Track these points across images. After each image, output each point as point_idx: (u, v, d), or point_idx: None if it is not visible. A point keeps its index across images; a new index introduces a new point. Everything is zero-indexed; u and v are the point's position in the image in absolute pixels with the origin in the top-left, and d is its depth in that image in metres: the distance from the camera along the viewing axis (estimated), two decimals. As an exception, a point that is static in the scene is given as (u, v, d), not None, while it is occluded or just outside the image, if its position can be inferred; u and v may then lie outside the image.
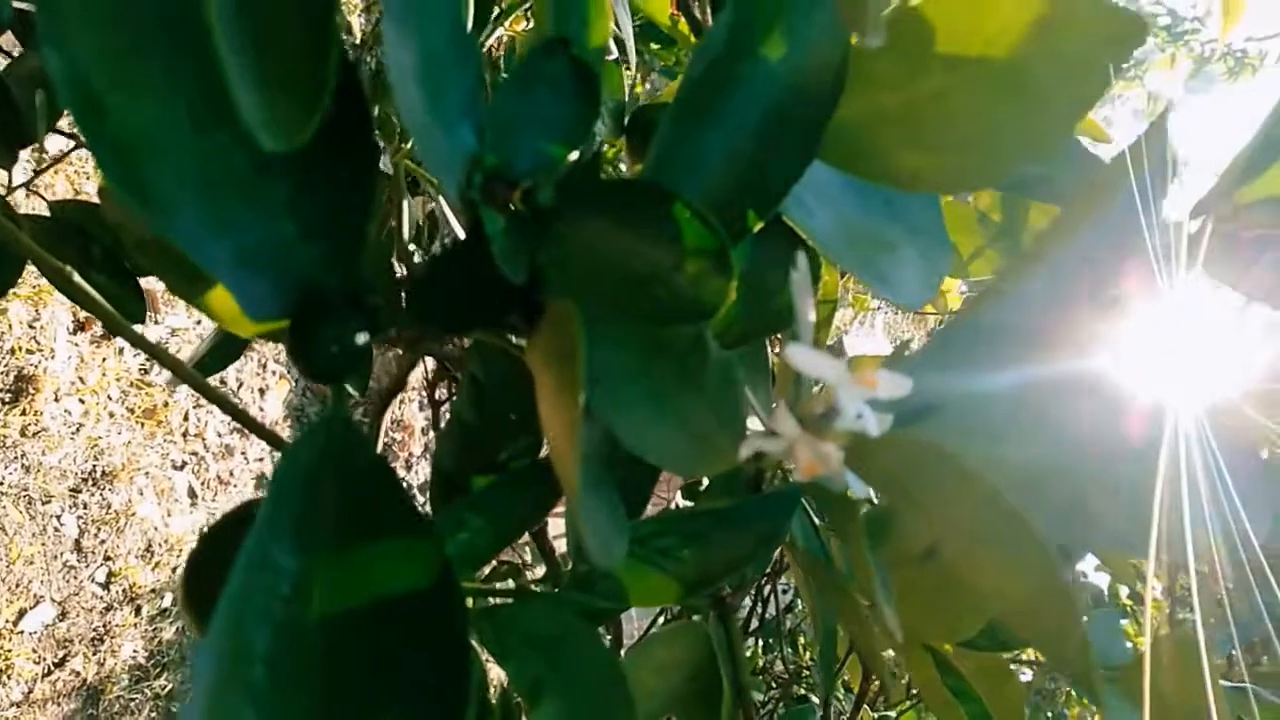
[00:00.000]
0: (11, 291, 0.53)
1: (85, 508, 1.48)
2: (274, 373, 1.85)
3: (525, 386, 0.24)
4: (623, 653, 0.56)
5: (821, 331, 0.49)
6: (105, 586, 1.49)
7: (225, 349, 0.53)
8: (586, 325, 0.19)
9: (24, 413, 1.42)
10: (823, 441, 0.22)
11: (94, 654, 1.45)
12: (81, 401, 1.50)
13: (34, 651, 1.38)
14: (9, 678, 1.34)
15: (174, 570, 1.58)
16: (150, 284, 0.55)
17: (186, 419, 1.67)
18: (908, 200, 0.35)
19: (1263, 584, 0.30)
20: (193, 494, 1.66)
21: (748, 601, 0.93)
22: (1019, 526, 0.19)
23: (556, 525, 0.44)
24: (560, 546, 0.54)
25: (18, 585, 1.38)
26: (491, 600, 0.36)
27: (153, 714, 1.50)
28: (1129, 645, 0.66)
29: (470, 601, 0.35)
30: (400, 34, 0.19)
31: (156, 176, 0.18)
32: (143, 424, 1.59)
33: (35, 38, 0.52)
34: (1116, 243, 0.26)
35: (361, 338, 0.22)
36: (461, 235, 0.25)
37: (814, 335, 0.24)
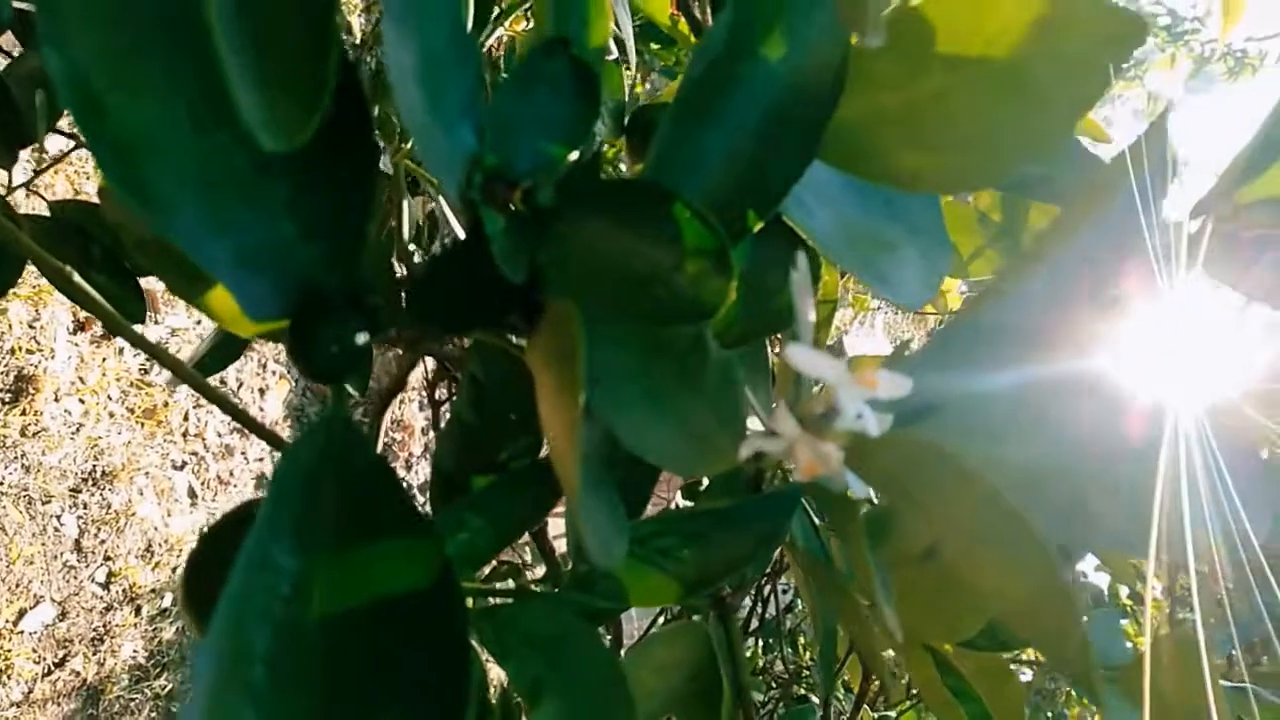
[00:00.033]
0: (11, 291, 0.53)
1: (85, 508, 1.48)
2: (274, 373, 1.85)
3: (525, 386, 0.24)
4: (623, 653, 0.56)
5: (821, 331, 0.49)
6: (105, 586, 1.49)
7: (225, 349, 0.53)
8: (586, 325, 0.19)
9: (24, 413, 1.42)
10: (823, 441, 0.22)
11: (94, 654, 1.45)
12: (81, 401, 1.50)
13: (34, 651, 1.38)
14: (9, 678, 1.34)
15: (174, 570, 1.58)
16: (150, 284, 0.55)
17: (186, 419, 1.67)
18: (908, 200, 0.35)
19: (1263, 584, 0.30)
20: (193, 494, 1.66)
21: (748, 601, 0.93)
22: (1019, 526, 0.19)
23: (556, 525, 0.44)
24: (560, 546, 0.54)
25: (18, 585, 1.38)
26: (491, 600, 0.36)
27: (153, 714, 1.50)
28: (1129, 645, 0.66)
29: (470, 601, 0.35)
30: (400, 34, 0.19)
31: (156, 176, 0.18)
32: (143, 424, 1.59)
33: (35, 38, 0.52)
34: (1116, 243, 0.26)
35: (361, 338, 0.22)
36: (461, 235, 0.25)
37: (814, 335, 0.24)
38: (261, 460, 1.78)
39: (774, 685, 1.13)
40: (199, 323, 1.68)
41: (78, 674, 1.42)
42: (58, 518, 1.45)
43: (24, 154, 0.53)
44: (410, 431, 2.10)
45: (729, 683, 0.42)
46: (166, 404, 1.63)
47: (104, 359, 1.54)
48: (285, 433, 1.82)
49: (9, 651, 1.35)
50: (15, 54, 0.56)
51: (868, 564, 0.29)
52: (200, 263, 0.19)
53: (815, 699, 0.98)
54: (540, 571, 0.49)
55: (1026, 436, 0.26)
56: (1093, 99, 0.26)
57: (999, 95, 0.26)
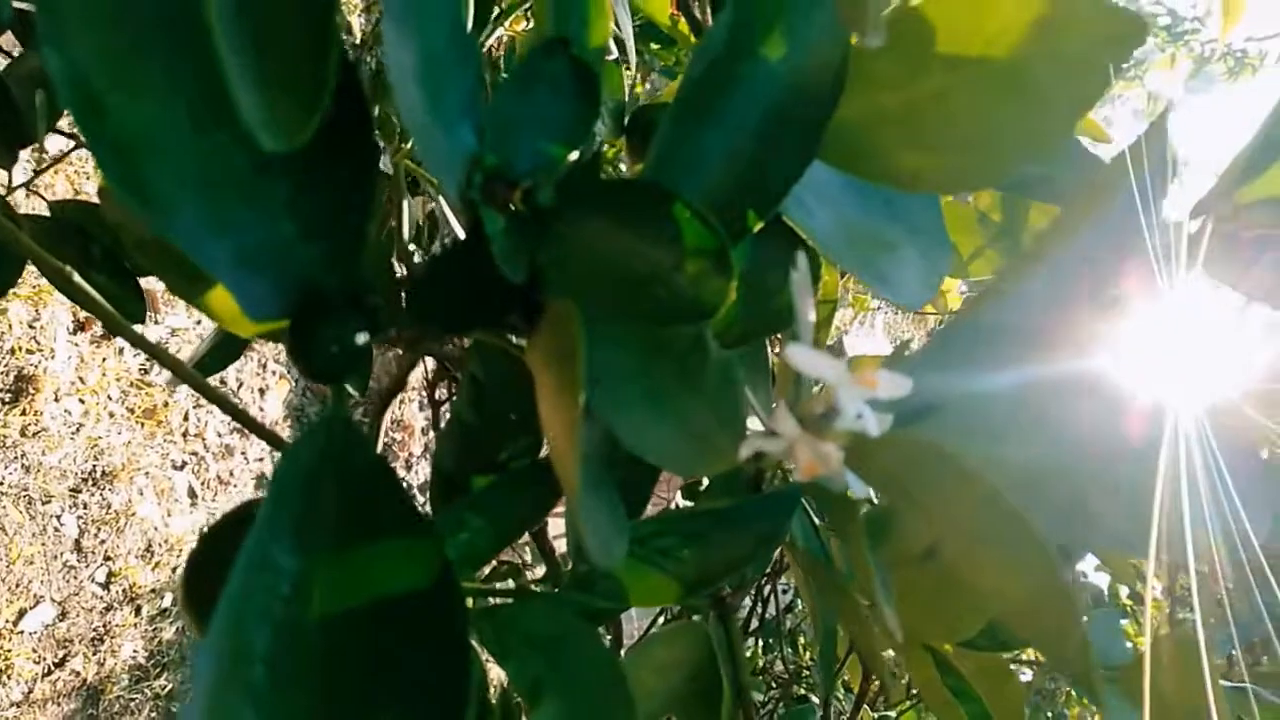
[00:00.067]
0: (11, 291, 0.53)
1: (85, 508, 1.48)
2: (274, 373, 1.85)
3: (525, 386, 0.24)
4: (623, 653, 0.56)
5: (822, 331, 0.49)
6: (105, 586, 1.49)
7: (225, 349, 0.53)
8: (586, 325, 0.19)
9: (24, 413, 1.42)
10: (822, 441, 0.22)
11: (94, 654, 1.45)
12: (81, 401, 1.50)
13: (34, 651, 1.38)
14: (9, 678, 1.34)
15: (174, 570, 1.58)
16: (150, 284, 0.55)
17: (186, 419, 1.67)
18: (908, 200, 0.35)
19: (1263, 584, 0.30)
20: (193, 494, 1.66)
21: (748, 601, 0.93)
22: (1019, 526, 0.19)
23: (556, 525, 0.44)
24: (560, 546, 0.54)
25: (18, 585, 1.38)
26: (491, 600, 0.36)
27: (153, 714, 1.50)
28: (1129, 645, 0.66)
29: (470, 601, 0.35)
30: (400, 34, 0.19)
31: (156, 176, 0.18)
32: (143, 424, 1.59)
33: (35, 37, 0.52)
34: (1116, 243, 0.26)
35: (361, 338, 0.22)
36: (461, 235, 0.25)
37: (814, 335, 0.24)
38: (261, 460, 1.78)
39: (774, 685, 1.13)
40: (199, 323, 1.68)
41: (78, 674, 1.42)
42: (58, 518, 1.45)
43: (24, 154, 0.53)
44: (410, 431, 2.10)
45: (729, 683, 0.42)
46: (166, 404, 1.63)
47: (104, 359, 1.54)
48: (285, 433, 1.82)
49: (9, 651, 1.35)
50: (15, 54, 0.56)
51: (867, 564, 0.29)
52: (200, 263, 0.19)
53: (815, 699, 0.98)
54: (540, 571, 0.49)
55: (1026, 436, 0.26)
56: (1093, 99, 0.26)
57: (999, 95, 0.26)
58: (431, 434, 2.01)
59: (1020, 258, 0.45)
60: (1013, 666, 0.48)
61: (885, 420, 0.22)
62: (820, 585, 0.43)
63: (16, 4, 0.50)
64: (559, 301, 0.21)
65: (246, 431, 1.70)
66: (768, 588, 0.94)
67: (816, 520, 0.45)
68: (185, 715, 0.16)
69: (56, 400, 1.46)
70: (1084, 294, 0.27)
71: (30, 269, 0.48)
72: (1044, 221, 0.48)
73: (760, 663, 1.15)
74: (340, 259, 0.21)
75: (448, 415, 0.91)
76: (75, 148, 0.64)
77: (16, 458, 1.41)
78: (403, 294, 0.25)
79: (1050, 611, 0.19)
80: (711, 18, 0.45)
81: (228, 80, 0.16)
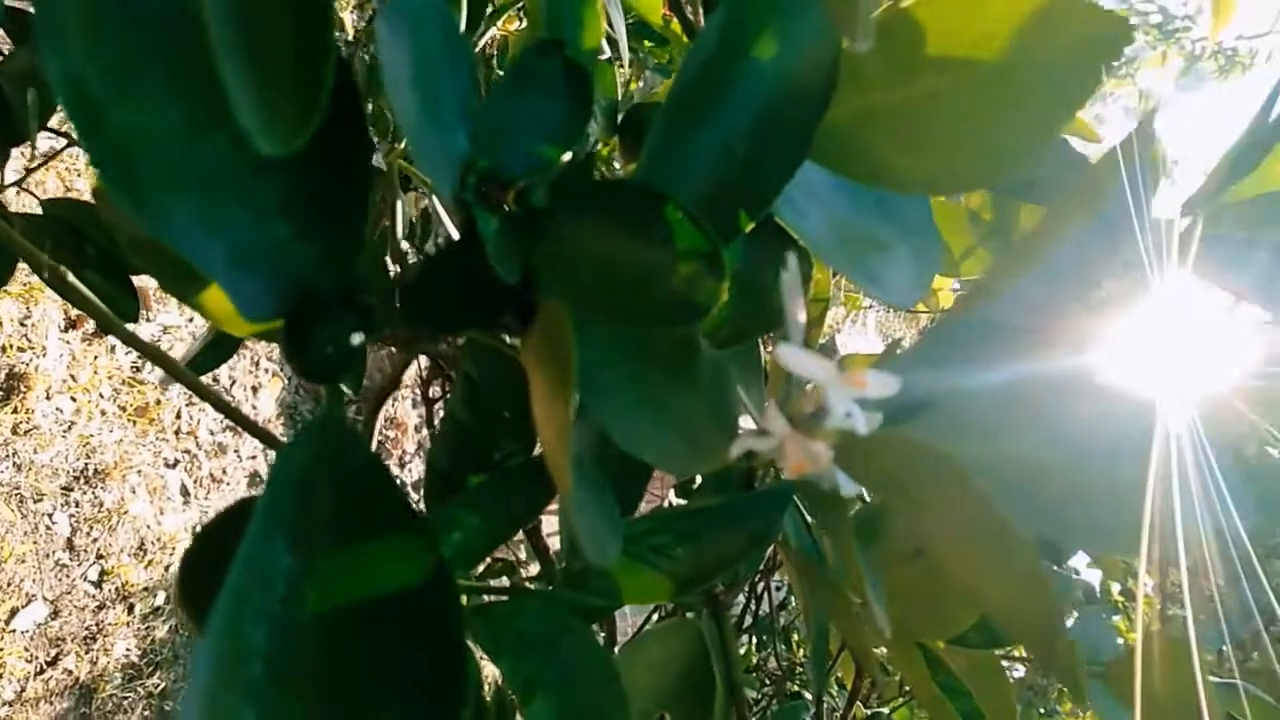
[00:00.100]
0: (2, 289, 0.53)
1: (77, 506, 1.48)
2: (266, 370, 1.85)
3: (519, 385, 0.24)
4: (617, 650, 0.56)
5: (814, 330, 0.49)
6: (98, 585, 1.49)
7: (219, 347, 0.53)
8: (580, 326, 0.20)
9: (15, 411, 1.41)
10: (812, 440, 0.23)
11: (86, 652, 1.45)
12: (73, 399, 1.50)
13: (26, 650, 1.38)
14: (1, 677, 1.34)
15: (167, 568, 1.58)
16: (142, 281, 0.55)
17: (179, 417, 1.66)
18: (899, 200, 0.35)
19: (1253, 580, 0.30)
20: (185, 492, 1.65)
21: (741, 599, 0.93)
22: (1003, 527, 0.19)
23: (550, 523, 0.44)
24: (554, 544, 0.54)
25: (9, 584, 1.38)
26: (486, 598, 0.36)
27: (146, 712, 1.50)
28: (1120, 641, 0.66)
29: (465, 599, 0.35)
30: (395, 39, 0.19)
31: (152, 178, 0.18)
32: (135, 422, 1.59)
33: (27, 36, 0.52)
34: (1106, 241, 0.26)
35: (356, 338, 0.22)
36: (455, 234, 0.25)
37: (806, 334, 0.24)
38: (254, 458, 1.78)
39: (767, 682, 1.13)
40: (191, 320, 1.67)
41: (70, 672, 1.42)
42: (50, 516, 1.44)
43: (14, 151, 0.53)
44: (404, 429, 2.10)
45: (722, 680, 0.43)
46: (159, 402, 1.62)
47: (95, 357, 1.54)
48: (278, 430, 1.82)
49: (1, 650, 1.35)
50: (6, 52, 0.56)
51: (857, 562, 0.29)
52: (196, 263, 0.19)
53: (808, 696, 0.98)
54: (534, 569, 0.50)
55: (1017, 434, 0.27)
56: (1081, 100, 0.26)
57: (988, 97, 0.26)
58: (425, 431, 2.01)
59: (1010, 256, 0.45)
60: (1005, 663, 0.49)
61: (874, 419, 0.23)
62: (812, 583, 0.43)
63: (9, 2, 0.50)
64: (552, 302, 0.22)
65: (239, 429, 1.69)
66: (761, 585, 0.94)
67: (809, 518, 0.45)
68: (184, 714, 0.16)
69: (48, 398, 1.46)
70: (1074, 292, 0.27)
71: (21, 266, 0.48)
72: (1035, 221, 0.48)
73: (754, 660, 1.16)
74: (335, 259, 0.21)
75: (441, 413, 0.91)
76: (67, 146, 0.63)
77: (8, 456, 1.40)
78: (397, 294, 0.25)
79: (1034, 611, 0.20)
80: (704, 19, 0.45)
81: (225, 84, 0.16)
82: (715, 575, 0.35)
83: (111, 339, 1.55)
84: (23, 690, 1.36)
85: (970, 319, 0.28)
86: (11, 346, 1.42)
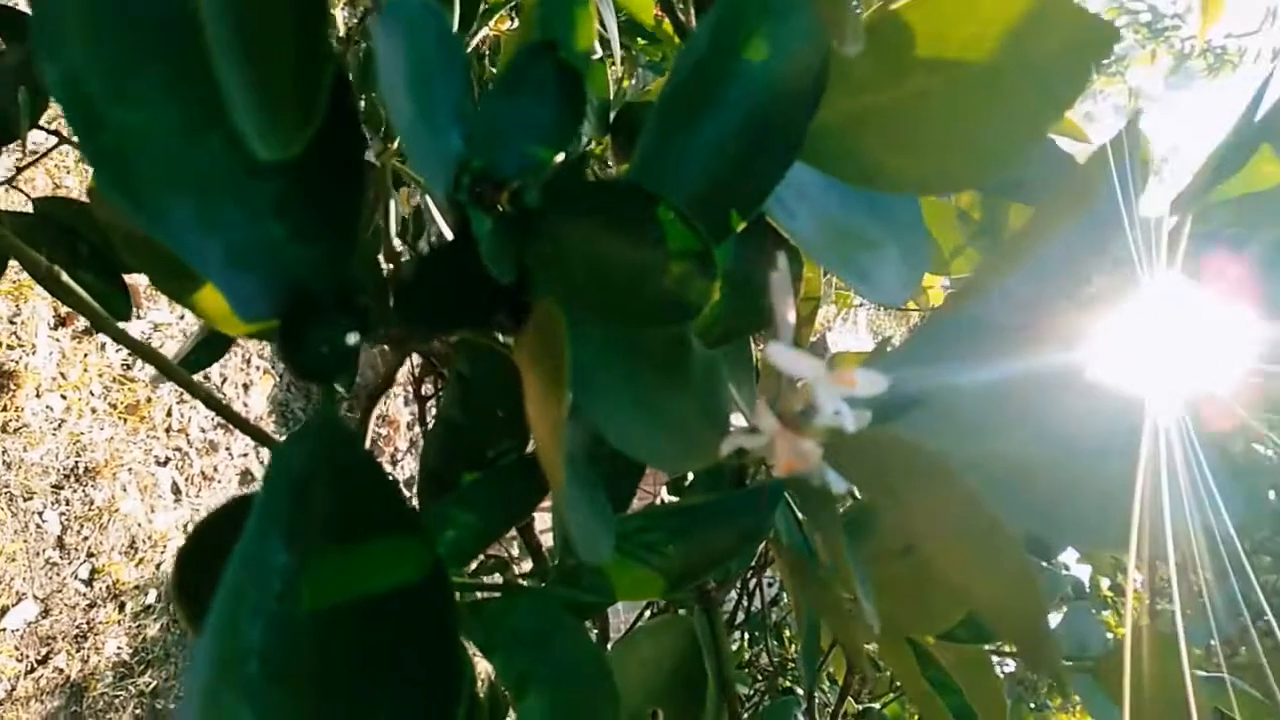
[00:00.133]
0: (-6, 288, 0.53)
1: (68, 504, 1.47)
2: (258, 368, 1.84)
3: (511, 383, 0.24)
4: (609, 646, 0.56)
5: (805, 328, 0.49)
6: (88, 583, 1.49)
7: (211, 345, 0.53)
8: (573, 325, 0.20)
9: (4, 409, 1.41)
10: (802, 438, 0.23)
11: (77, 651, 1.44)
12: (63, 397, 1.49)
13: (16, 649, 1.37)
14: (-9, 675, 1.34)
15: (158, 566, 1.58)
16: (133, 278, 0.55)
17: (170, 415, 1.66)
18: (889, 199, 0.35)
19: (1240, 575, 0.31)
20: (176, 490, 1.65)
21: (733, 595, 0.93)
22: (991, 524, 0.19)
23: (543, 520, 0.45)
24: (547, 541, 0.54)
25: (-1, 582, 1.37)
26: (479, 594, 0.36)
27: (137, 711, 1.49)
28: (1109, 636, 0.67)
29: (458, 596, 0.35)
30: (390, 42, 0.19)
31: (149, 179, 0.18)
32: (125, 420, 1.58)
33: (18, 34, 0.52)
34: (1094, 239, 0.27)
35: (351, 338, 0.22)
36: (448, 233, 0.25)
37: (797, 333, 0.24)
38: (246, 456, 1.78)
39: (759, 678, 1.13)
40: (182, 317, 1.67)
41: (61, 671, 1.41)
42: (40, 514, 1.44)
43: (3, 148, 0.53)
44: (395, 427, 2.10)
45: (714, 676, 0.43)
46: (149, 399, 1.62)
47: (86, 354, 1.53)
48: (269, 428, 1.82)
49: (-9, 649, 1.34)
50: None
51: (846, 558, 0.29)
52: (192, 263, 0.19)
53: (800, 691, 0.99)
54: (527, 566, 0.50)
55: (1006, 431, 0.27)
56: (1069, 101, 0.27)
57: (977, 98, 0.27)
58: (417, 429, 2.01)
59: (999, 255, 0.45)
60: (995, 658, 0.49)
61: (863, 417, 0.23)
62: (803, 579, 0.43)
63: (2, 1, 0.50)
64: (545, 302, 0.22)
65: (230, 427, 1.69)
66: (753, 581, 0.94)
67: (800, 515, 0.46)
68: (182, 712, 0.16)
69: (38, 396, 1.45)
70: (1062, 290, 0.27)
71: (11, 262, 0.48)
72: (1024, 220, 0.48)
73: (746, 656, 1.16)
74: (330, 259, 0.21)
75: (433, 411, 0.91)
76: (58, 144, 0.63)
77: (-2, 454, 1.40)
78: (391, 294, 0.25)
79: (1020, 609, 0.20)
80: (695, 19, 0.45)
81: (222, 86, 0.16)
82: (707, 572, 0.36)
83: (101, 336, 1.54)
84: (13, 689, 1.35)
85: (960, 317, 0.28)
86: (0, 344, 1.42)
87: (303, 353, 0.22)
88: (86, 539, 1.49)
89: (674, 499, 0.75)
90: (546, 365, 0.21)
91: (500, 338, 0.33)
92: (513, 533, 0.44)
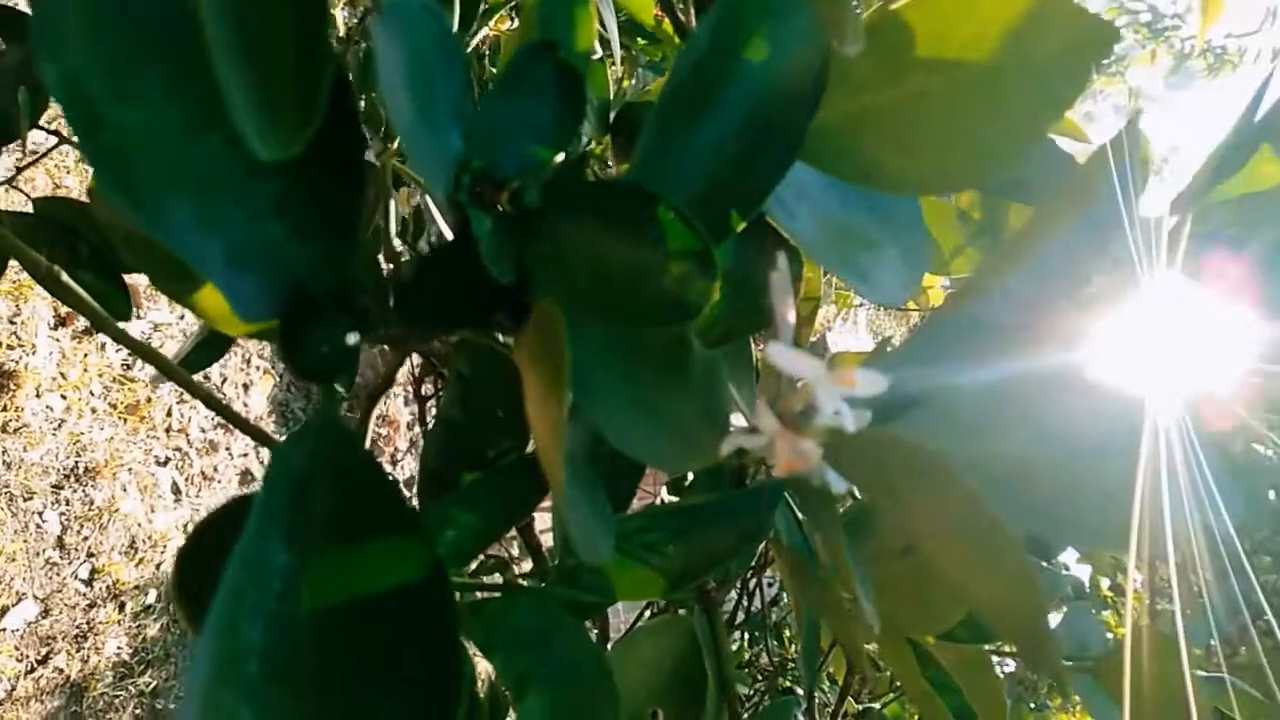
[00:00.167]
0: (-6, 288, 0.53)
1: (68, 504, 1.48)
2: (258, 368, 1.85)
3: (511, 383, 0.24)
4: (609, 646, 0.56)
5: (805, 328, 0.49)
6: (88, 583, 1.49)
7: (211, 345, 0.53)
8: (573, 325, 0.20)
9: (4, 409, 1.41)
10: (802, 438, 0.23)
11: (77, 651, 1.44)
12: (63, 397, 1.49)
13: (16, 649, 1.37)
14: (-9, 675, 1.34)
15: (158, 566, 1.58)
16: (133, 278, 0.55)
17: (170, 415, 1.66)
18: (889, 199, 0.35)
19: (1240, 575, 0.31)
20: (176, 490, 1.65)
21: (733, 595, 0.93)
22: (991, 524, 0.19)
23: (543, 519, 0.45)
24: (547, 541, 0.55)
25: None
26: (479, 594, 0.36)
27: (137, 711, 1.49)
28: (1109, 636, 0.67)
29: (458, 596, 0.35)
30: (391, 44, 0.19)
31: (149, 179, 0.18)
32: (125, 420, 1.58)
33: (18, 34, 0.52)
34: (1094, 239, 0.27)
35: (352, 338, 0.22)
36: (447, 232, 0.25)
37: (797, 333, 0.24)
38: (245, 455, 1.78)
39: (760, 678, 1.13)
40: (182, 317, 1.67)
41: (61, 671, 1.41)
42: (40, 514, 1.44)
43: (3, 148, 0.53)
44: (395, 426, 2.10)
45: (714, 676, 0.43)
46: (149, 399, 1.62)
47: (86, 354, 1.53)
48: (269, 428, 1.82)
49: (-9, 649, 1.34)
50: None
51: (847, 558, 0.29)
52: (192, 263, 0.19)
53: (800, 691, 0.99)
54: (527, 565, 0.50)
55: (1006, 431, 0.27)
56: (1069, 101, 0.27)
57: (977, 98, 0.27)
58: (417, 429, 2.01)
59: (1000, 254, 0.45)
60: (995, 658, 0.49)
61: (863, 417, 0.23)
62: (803, 579, 0.43)
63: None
64: (545, 302, 0.22)
65: (230, 427, 1.69)
66: (753, 581, 0.94)
67: (800, 515, 0.46)
68: (183, 712, 0.16)
69: (38, 396, 1.45)
70: (1063, 289, 0.27)
71: (11, 262, 0.48)
72: (1024, 220, 0.48)
73: (746, 656, 1.16)
74: (330, 259, 0.21)
75: (433, 411, 0.91)
76: (58, 144, 0.63)
77: (-2, 454, 1.40)
78: (391, 294, 0.25)
79: (1020, 609, 0.20)
80: (695, 20, 0.45)
81: (222, 86, 0.16)
82: (707, 572, 0.36)
83: (101, 336, 1.54)
84: (13, 689, 1.35)
85: (960, 317, 0.28)
86: (0, 344, 1.42)
87: (303, 353, 0.22)
88: (86, 539, 1.49)
89: (674, 499, 0.75)
90: (546, 365, 0.21)
91: (500, 338, 0.33)
92: (513, 532, 0.44)
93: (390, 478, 0.22)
